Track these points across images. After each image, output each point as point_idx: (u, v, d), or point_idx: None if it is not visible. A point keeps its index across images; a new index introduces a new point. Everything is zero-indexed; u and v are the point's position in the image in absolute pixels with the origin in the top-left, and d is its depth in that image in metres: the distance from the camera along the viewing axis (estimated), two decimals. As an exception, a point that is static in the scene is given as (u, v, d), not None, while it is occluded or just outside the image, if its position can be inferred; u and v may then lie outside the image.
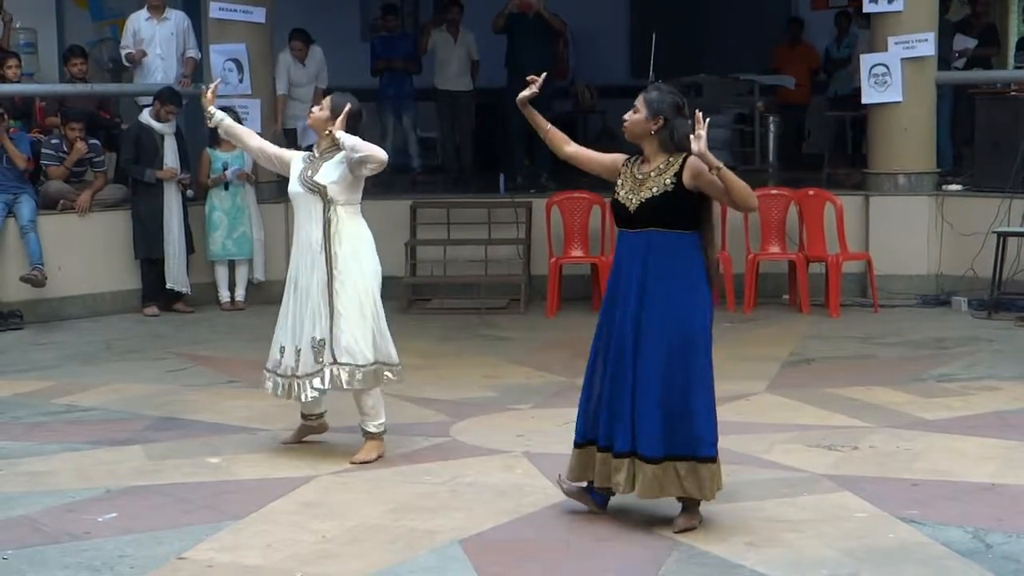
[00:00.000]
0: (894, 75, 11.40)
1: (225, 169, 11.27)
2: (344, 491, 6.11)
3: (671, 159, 5.44)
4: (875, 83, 11.51)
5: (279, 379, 6.61)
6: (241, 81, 11.79)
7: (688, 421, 5.36)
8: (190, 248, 11.19)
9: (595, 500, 5.68)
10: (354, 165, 6.45)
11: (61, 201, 10.99)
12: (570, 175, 13.86)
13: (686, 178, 5.37)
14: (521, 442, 6.91)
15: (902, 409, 7.50)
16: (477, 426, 7.31)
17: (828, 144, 14.42)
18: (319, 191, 6.49)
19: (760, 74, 15.07)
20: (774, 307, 11.06)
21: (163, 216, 11.00)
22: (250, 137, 7.07)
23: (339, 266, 6.43)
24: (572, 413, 7.32)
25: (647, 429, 5.35)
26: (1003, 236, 10.47)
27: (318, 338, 6.44)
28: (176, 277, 11.07)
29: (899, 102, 11.44)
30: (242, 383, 8.49)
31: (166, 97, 11.08)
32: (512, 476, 6.31)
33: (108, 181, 11.38)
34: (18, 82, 11.70)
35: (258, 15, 11.91)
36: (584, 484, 5.68)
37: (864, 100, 11.75)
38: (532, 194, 12.17)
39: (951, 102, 12.89)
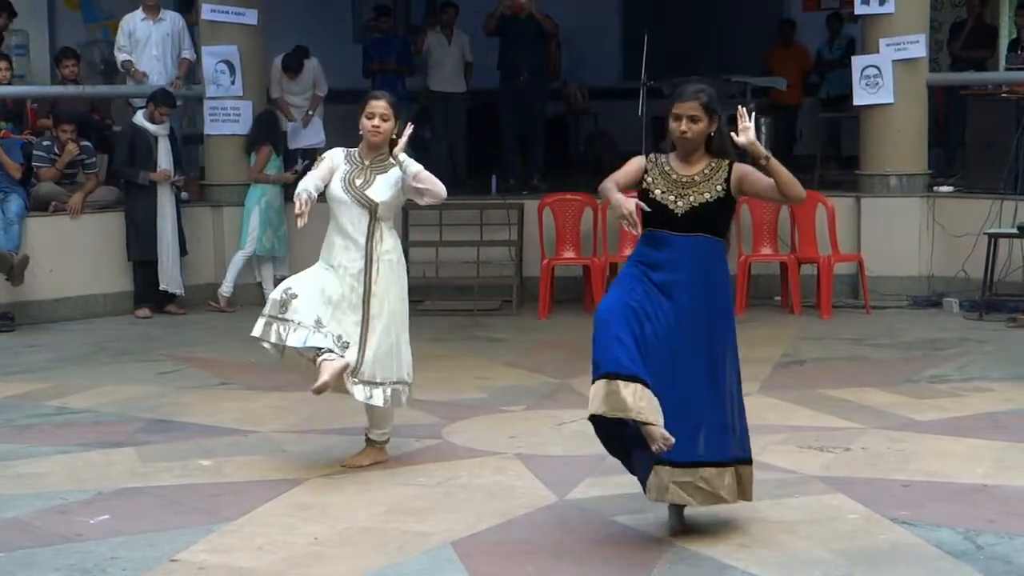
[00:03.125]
0: (885, 77, 11.42)
1: (296, 171, 11.35)
2: (336, 493, 6.10)
3: (713, 163, 5.38)
4: (866, 85, 11.52)
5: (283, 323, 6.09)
6: (233, 83, 11.79)
7: (743, 427, 5.40)
8: (183, 250, 11.19)
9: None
10: (410, 191, 6.30)
11: (53, 203, 10.98)
12: (562, 177, 13.93)
13: (734, 184, 5.33)
14: (513, 444, 6.91)
15: (894, 410, 7.51)
16: (469, 428, 7.31)
17: (820, 146, 14.45)
18: (369, 207, 6.27)
19: (752, 76, 15.08)
20: (766, 308, 11.07)
21: (156, 218, 10.99)
22: (317, 186, 6.45)
23: (379, 282, 6.27)
24: (565, 415, 7.40)
25: (717, 436, 5.28)
26: (994, 237, 10.49)
27: (343, 338, 6.21)
28: (170, 279, 11.07)
29: (890, 104, 11.46)
30: (235, 385, 8.49)
31: (160, 99, 11.07)
32: (504, 478, 6.31)
33: (100, 183, 11.37)
34: (9, 84, 11.70)
35: (250, 17, 11.91)
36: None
37: (855, 102, 11.77)
38: (524, 195, 12.18)
39: (932, 103, 12.88)
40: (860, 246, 11.41)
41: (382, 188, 6.30)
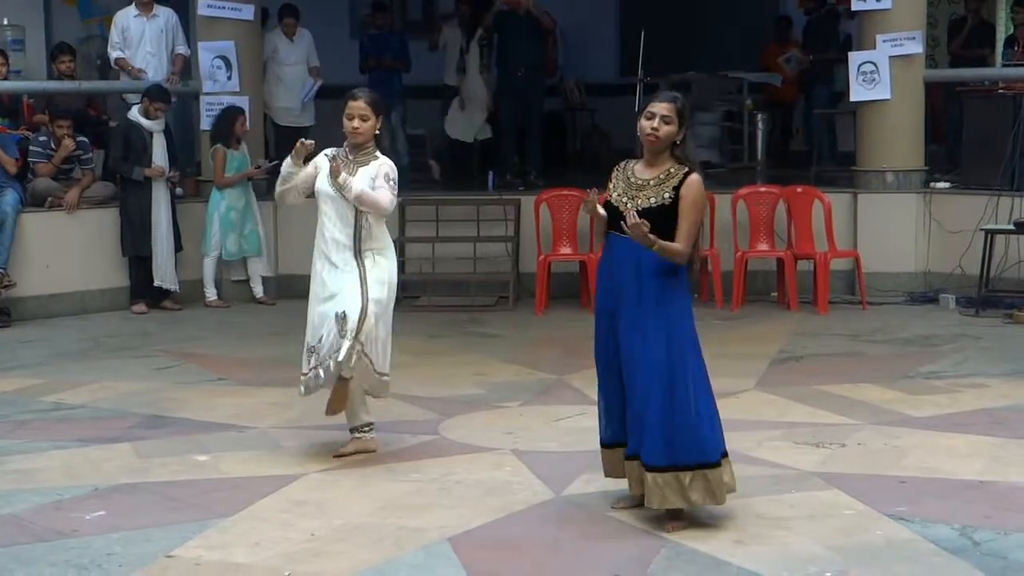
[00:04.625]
0: (882, 73, 11.42)
1: (259, 167, 11.28)
2: (332, 489, 6.10)
3: (673, 169, 5.39)
4: (863, 81, 11.52)
5: (316, 372, 6.39)
6: (230, 79, 11.77)
7: (694, 429, 5.36)
8: (178, 246, 11.18)
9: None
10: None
11: (49, 198, 10.97)
12: (559, 173, 13.93)
13: (681, 193, 5.33)
14: (510, 439, 6.91)
15: (890, 406, 7.51)
16: (466, 424, 7.31)
17: (816, 142, 14.45)
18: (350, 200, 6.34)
19: (749, 72, 15.09)
20: (762, 305, 11.07)
21: (151, 214, 10.98)
22: (299, 178, 6.58)
23: (368, 273, 6.32)
24: (561, 410, 7.41)
25: (651, 438, 5.32)
26: (991, 234, 10.49)
27: (341, 312, 6.26)
28: (164, 275, 11.06)
29: (887, 100, 11.46)
30: (231, 380, 8.49)
31: (155, 94, 11.05)
32: (501, 474, 6.31)
33: (96, 178, 11.36)
34: (5, 79, 11.68)
35: (247, 12, 11.89)
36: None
37: (852, 98, 11.76)
38: (521, 191, 12.17)
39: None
40: (857, 242, 11.41)
41: (362, 180, 6.34)
